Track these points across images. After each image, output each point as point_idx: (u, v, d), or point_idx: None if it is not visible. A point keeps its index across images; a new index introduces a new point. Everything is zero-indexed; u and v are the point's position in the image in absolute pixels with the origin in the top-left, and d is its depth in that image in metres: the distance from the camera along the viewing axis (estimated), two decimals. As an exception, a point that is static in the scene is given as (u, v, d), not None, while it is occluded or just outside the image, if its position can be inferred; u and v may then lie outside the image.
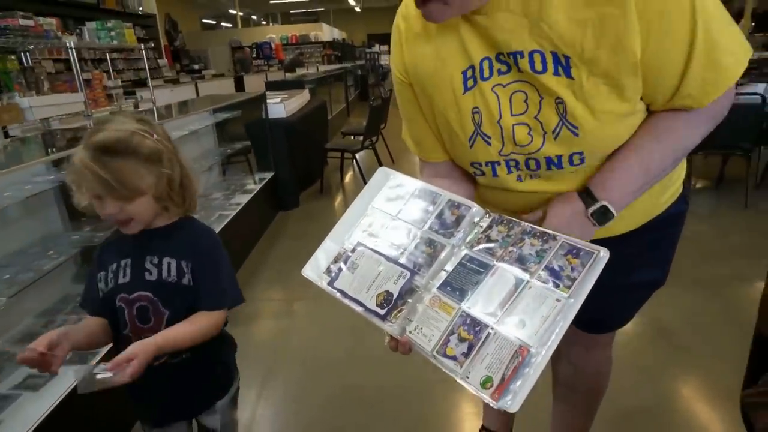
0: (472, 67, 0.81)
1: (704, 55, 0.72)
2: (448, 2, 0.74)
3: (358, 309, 0.84)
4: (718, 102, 0.77)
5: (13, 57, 3.28)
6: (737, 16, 8.20)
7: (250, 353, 2.15)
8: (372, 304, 0.83)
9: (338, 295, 0.87)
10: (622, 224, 0.91)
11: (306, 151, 4.47)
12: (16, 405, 1.42)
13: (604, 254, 0.73)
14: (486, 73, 0.81)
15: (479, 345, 0.72)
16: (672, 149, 0.81)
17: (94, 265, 1.03)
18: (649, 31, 0.70)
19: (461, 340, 0.74)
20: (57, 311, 1.90)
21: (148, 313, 0.98)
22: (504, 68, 0.80)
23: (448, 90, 0.85)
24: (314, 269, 0.92)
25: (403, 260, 0.86)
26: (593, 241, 0.75)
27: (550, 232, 0.79)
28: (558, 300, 0.71)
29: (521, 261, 0.78)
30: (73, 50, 3.00)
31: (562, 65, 0.74)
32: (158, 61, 8.06)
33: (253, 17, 20.90)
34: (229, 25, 18.84)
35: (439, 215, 0.89)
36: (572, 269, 0.73)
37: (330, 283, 0.89)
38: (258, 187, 3.68)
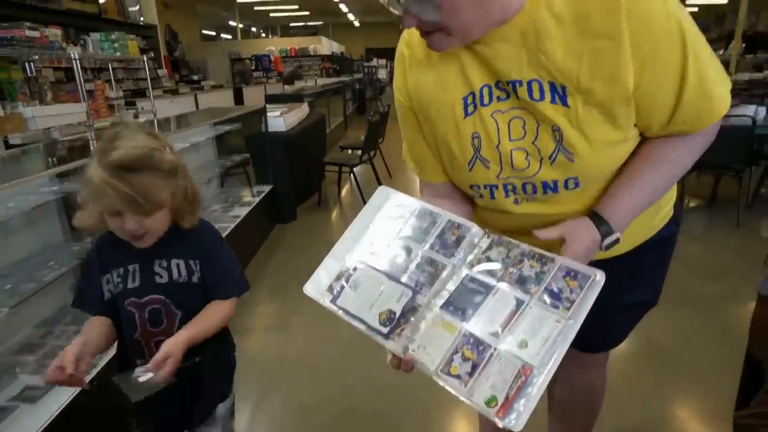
0: (473, 93, 0.85)
1: (696, 86, 0.76)
2: (451, 33, 0.78)
3: (361, 327, 0.85)
4: (710, 127, 0.82)
5: (16, 66, 3.31)
6: (728, 38, 8.36)
7: (246, 366, 2.15)
8: (375, 323, 0.85)
9: (341, 313, 0.88)
10: (616, 247, 0.94)
11: (304, 164, 4.50)
12: (14, 417, 1.42)
13: (600, 277, 0.75)
14: (486, 100, 0.84)
15: (483, 364, 0.74)
16: (670, 174, 0.86)
17: (92, 265, 1.03)
18: (642, 64, 0.74)
19: (465, 359, 0.76)
20: (56, 322, 1.90)
21: (160, 315, 1.00)
22: (503, 95, 0.83)
23: (449, 115, 0.88)
24: (316, 287, 0.93)
25: (404, 279, 0.87)
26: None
27: (548, 254, 0.81)
28: (558, 321, 0.73)
29: (521, 282, 0.80)
30: (78, 62, 3.03)
31: (559, 94, 0.78)
32: (158, 71, 8.12)
33: (253, 29, 21.07)
34: (229, 36, 18.98)
35: (440, 235, 0.91)
36: (571, 291, 0.76)
37: (332, 301, 0.90)
38: (257, 199, 3.70)
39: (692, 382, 1.96)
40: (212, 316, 1.02)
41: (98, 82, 4.24)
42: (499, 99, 0.83)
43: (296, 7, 15.07)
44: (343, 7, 16.10)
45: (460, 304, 0.82)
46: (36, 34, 3.03)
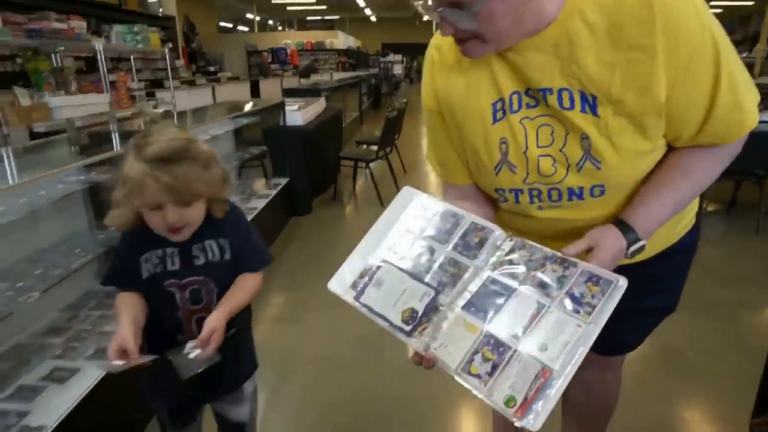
0: (502, 99, 0.86)
1: (728, 99, 0.77)
2: (486, 41, 0.79)
3: (384, 324, 0.87)
4: (739, 140, 0.83)
5: (43, 57, 3.37)
6: (752, 40, 8.20)
7: (260, 357, 2.19)
8: (398, 321, 0.87)
9: (364, 310, 0.90)
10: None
11: (321, 158, 4.53)
12: (44, 396, 1.47)
13: (623, 283, 0.76)
14: (515, 107, 0.85)
15: (503, 365, 0.75)
16: (697, 184, 0.87)
17: (128, 245, 1.05)
18: (676, 77, 0.75)
19: (485, 359, 0.78)
20: (81, 306, 1.97)
21: (200, 294, 1.04)
22: (532, 102, 0.84)
23: (477, 120, 0.89)
24: (340, 284, 0.94)
25: (427, 279, 0.89)
26: (610, 269, 0.80)
27: (571, 258, 0.82)
28: (579, 326, 0.75)
29: (543, 286, 0.81)
30: (102, 53, 3.09)
31: (589, 104, 0.79)
32: (175, 62, 8.19)
33: (270, 22, 21.13)
34: (246, 29, 19.06)
35: (463, 236, 0.92)
36: (592, 296, 0.77)
37: (356, 298, 0.92)
38: (273, 192, 3.74)
39: (705, 387, 1.96)
40: (245, 288, 1.07)
41: (120, 74, 4.31)
42: (528, 106, 0.85)
43: (313, 0, 15.08)
44: (360, 2, 16.06)
45: (481, 306, 0.83)
46: (63, 26, 3.09)
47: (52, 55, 3.45)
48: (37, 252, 1.81)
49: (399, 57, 18.69)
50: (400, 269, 0.92)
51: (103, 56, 3.11)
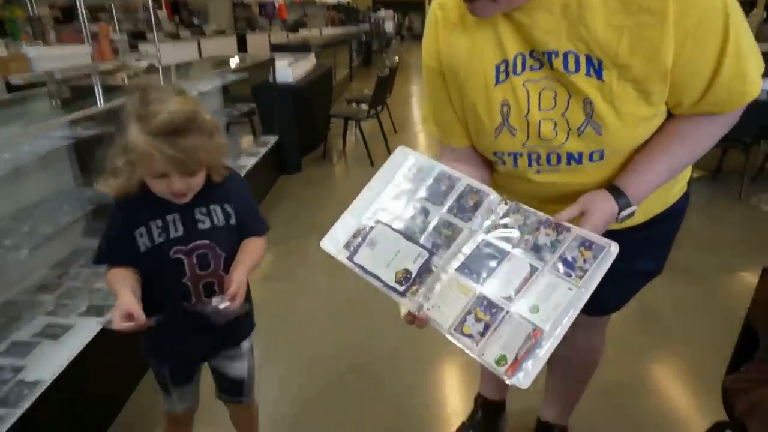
0: (506, 61, 0.85)
1: (733, 67, 0.77)
2: (497, 0, 0.77)
3: (377, 284, 0.88)
4: (738, 109, 0.83)
5: (19, 5, 3.20)
6: (750, 4, 8.08)
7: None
8: (391, 281, 0.88)
9: (357, 270, 0.90)
10: (630, 219, 0.97)
11: (311, 116, 4.46)
12: (37, 351, 1.49)
13: (614, 249, 0.78)
14: (519, 69, 0.84)
15: (495, 325, 0.78)
16: (692, 151, 0.87)
17: (119, 222, 1.03)
18: (684, 41, 0.74)
19: (477, 320, 0.80)
20: (70, 263, 1.96)
21: (207, 258, 1.05)
22: (536, 65, 0.83)
23: (480, 81, 0.88)
24: (333, 243, 0.95)
25: (422, 240, 0.90)
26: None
27: (564, 223, 0.84)
28: (570, 289, 0.77)
29: (536, 250, 0.83)
30: (81, 1, 2.94)
31: (595, 68, 0.78)
32: (158, 12, 7.83)
33: (257, -29, 20.21)
34: (232, -22, 18.22)
35: (458, 199, 0.92)
36: (584, 261, 0.79)
37: (349, 258, 0.92)
38: (262, 150, 3.70)
39: (679, 346, 2.04)
40: (255, 250, 1.10)
41: (101, 24, 4.12)
42: (532, 68, 0.83)
43: (303, -51, 14.43)
44: (352, -47, 15.43)
45: (475, 268, 0.85)
46: (38, -31, 2.93)
47: (28, 2, 3.28)
48: (24, 209, 1.79)
49: (390, 13, 18.13)
50: (395, 230, 0.92)
51: (82, 3, 2.96)
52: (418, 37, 23.56)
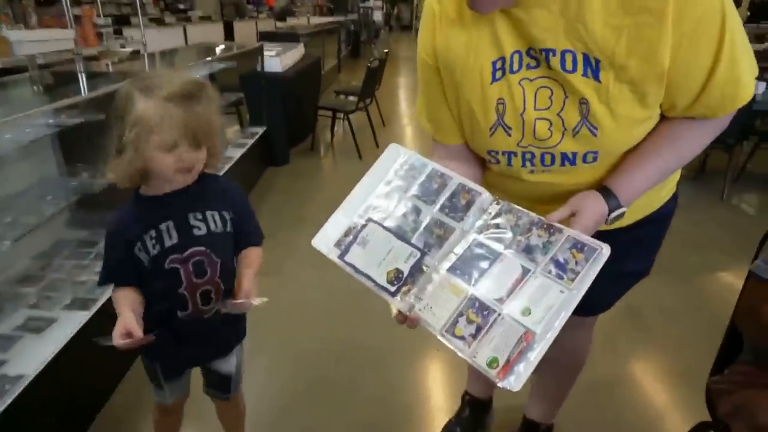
0: (503, 58, 0.84)
1: (727, 71, 0.77)
2: None
3: (368, 284, 0.88)
4: (729, 113, 0.84)
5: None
6: (735, 3, 8.16)
7: (241, 308, 2.21)
8: (382, 281, 0.88)
9: (348, 269, 0.90)
10: (620, 220, 0.98)
11: (299, 107, 4.42)
12: (19, 345, 1.46)
13: (606, 251, 0.79)
14: (515, 66, 0.84)
15: (487, 328, 0.78)
16: (683, 154, 0.88)
17: (115, 242, 1.00)
18: (680, 42, 0.75)
19: (470, 321, 0.80)
20: (54, 254, 1.92)
21: (203, 266, 1.03)
22: (533, 63, 0.83)
23: (476, 78, 0.87)
24: (324, 241, 0.94)
25: (413, 240, 0.89)
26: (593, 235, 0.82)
27: (556, 225, 0.84)
28: (562, 291, 0.77)
29: (528, 251, 0.83)
30: (64, -17, 2.86)
31: (592, 68, 0.78)
32: (143, -4, 7.66)
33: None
34: (219, -37, 17.88)
35: (450, 198, 0.92)
36: (576, 263, 0.79)
37: (340, 257, 0.91)
38: (250, 141, 3.66)
39: (663, 346, 2.08)
40: (256, 259, 1.10)
41: (84, 7, 4.02)
42: (528, 67, 0.83)
43: (292, -65, 14.20)
44: (342, -60, 15.20)
45: (467, 269, 0.85)
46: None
47: (9, -16, 3.18)
48: (7, 198, 1.74)
49: (379, 3, 17.98)
50: (386, 229, 0.92)
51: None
52: (406, 28, 23.42)
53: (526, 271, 0.81)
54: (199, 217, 1.03)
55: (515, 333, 0.76)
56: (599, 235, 0.82)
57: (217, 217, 1.04)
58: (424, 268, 0.87)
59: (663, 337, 2.13)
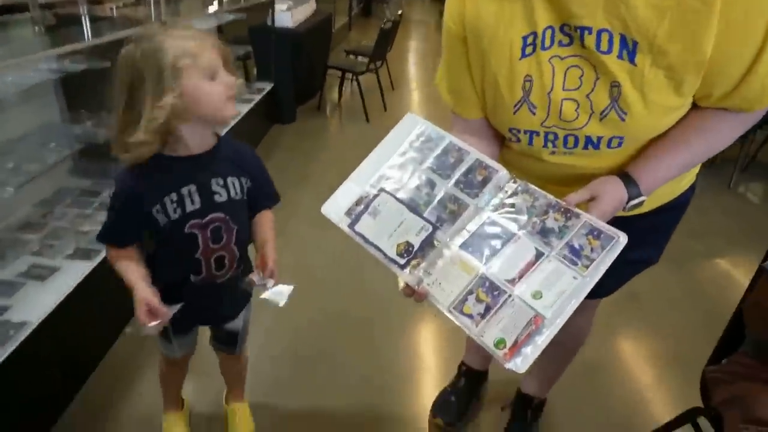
0: (534, 33, 0.80)
1: None
2: None
3: (377, 255, 0.87)
4: (765, 108, 0.80)
5: None
6: None
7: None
8: (392, 253, 0.86)
9: (358, 239, 0.89)
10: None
11: (308, 65, 4.32)
12: (23, 292, 1.47)
13: (623, 240, 0.77)
14: (547, 43, 0.80)
15: (496, 308, 0.77)
16: (712, 147, 0.86)
17: (125, 201, 0.98)
18: (725, 31, 0.71)
19: (479, 300, 0.79)
20: (55, 202, 1.91)
21: (220, 232, 1.03)
22: (566, 40, 0.79)
23: (505, 52, 0.84)
24: (335, 209, 0.92)
25: (426, 213, 0.88)
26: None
27: (574, 209, 0.82)
28: (575, 277, 0.76)
29: (544, 234, 0.82)
30: None
31: (628, 50, 0.75)
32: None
33: None
34: None
35: (466, 173, 0.90)
36: (592, 250, 0.78)
37: (350, 226, 0.90)
38: (257, 97, 3.59)
39: (657, 329, 2.09)
40: (271, 224, 1.12)
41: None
42: (561, 44, 0.79)
43: None
44: None
45: (479, 246, 0.83)
46: None
47: None
48: (8, 143, 1.71)
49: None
50: (399, 200, 0.90)
51: None
52: (421, -12, 22.73)
53: (539, 254, 0.80)
54: (221, 183, 1.01)
55: (525, 315, 0.75)
56: (615, 220, 0.80)
57: (237, 184, 1.04)
58: (436, 242, 0.86)
59: (660, 324, 2.14)
